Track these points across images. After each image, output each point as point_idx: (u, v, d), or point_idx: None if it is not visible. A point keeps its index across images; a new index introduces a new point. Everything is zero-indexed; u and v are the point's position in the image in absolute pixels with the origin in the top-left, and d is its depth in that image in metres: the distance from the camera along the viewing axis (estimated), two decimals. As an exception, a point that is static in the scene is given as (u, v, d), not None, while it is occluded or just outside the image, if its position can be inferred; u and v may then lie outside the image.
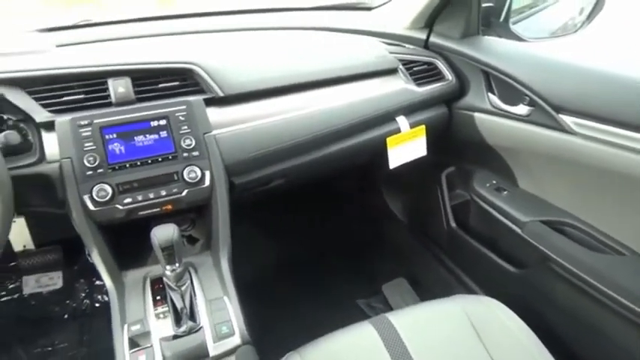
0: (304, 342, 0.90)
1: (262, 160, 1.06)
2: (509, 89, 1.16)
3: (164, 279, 0.89)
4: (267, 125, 1.06)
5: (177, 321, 0.86)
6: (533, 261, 1.18)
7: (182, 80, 1.02)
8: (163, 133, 0.94)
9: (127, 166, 0.91)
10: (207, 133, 0.97)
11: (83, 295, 1.64)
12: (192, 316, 0.87)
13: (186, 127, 0.96)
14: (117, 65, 0.98)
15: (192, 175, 0.94)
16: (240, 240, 1.07)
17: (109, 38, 1.25)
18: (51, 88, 0.93)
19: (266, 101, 1.08)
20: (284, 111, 1.09)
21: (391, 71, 1.25)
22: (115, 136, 0.91)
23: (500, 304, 0.98)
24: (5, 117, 0.88)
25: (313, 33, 1.42)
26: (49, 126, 0.90)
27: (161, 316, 0.89)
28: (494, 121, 1.22)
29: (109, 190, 0.88)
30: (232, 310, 0.90)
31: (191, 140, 0.95)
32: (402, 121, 1.23)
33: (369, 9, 1.57)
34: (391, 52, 1.28)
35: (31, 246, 1.39)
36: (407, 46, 1.37)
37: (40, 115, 0.90)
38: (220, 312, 0.89)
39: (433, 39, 1.36)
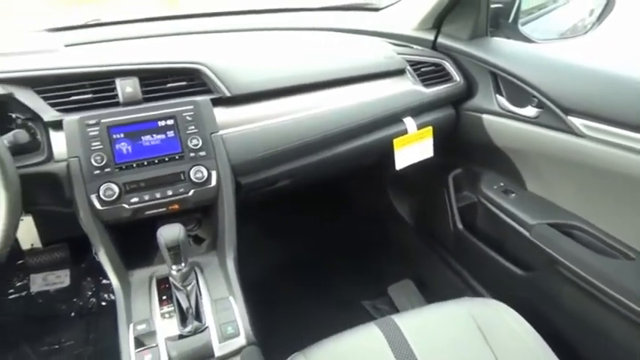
0: (309, 343, 0.90)
1: (269, 160, 1.06)
2: (517, 91, 1.15)
3: (170, 279, 0.89)
4: (273, 125, 1.06)
5: (183, 321, 0.86)
6: (540, 264, 1.17)
7: (189, 80, 1.02)
8: (170, 133, 0.94)
9: (134, 165, 0.91)
10: (214, 133, 0.98)
11: (90, 293, 1.65)
12: (198, 316, 0.87)
13: (193, 127, 0.96)
14: (125, 65, 0.98)
15: (199, 175, 0.94)
16: (246, 240, 1.07)
17: (117, 38, 1.25)
18: (59, 88, 0.93)
19: (272, 102, 1.08)
20: (291, 111, 1.08)
21: (399, 72, 1.25)
22: (122, 135, 0.92)
23: (507, 307, 0.97)
24: (14, 116, 0.89)
25: (320, 33, 1.41)
26: (57, 125, 0.90)
27: (167, 315, 0.89)
28: (502, 122, 1.21)
29: (116, 189, 0.89)
30: (238, 311, 0.90)
31: (198, 140, 0.95)
32: (409, 122, 1.23)
33: (376, 10, 1.57)
34: (399, 53, 1.27)
35: (38, 244, 1.39)
36: (415, 47, 1.36)
37: (49, 114, 0.90)
38: (226, 312, 0.89)
39: (441, 40, 1.35)
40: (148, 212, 0.93)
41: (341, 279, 1.74)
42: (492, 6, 1.27)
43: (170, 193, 0.93)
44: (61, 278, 1.63)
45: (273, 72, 1.11)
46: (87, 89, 0.95)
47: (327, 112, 1.12)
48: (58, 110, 0.92)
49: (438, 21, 1.35)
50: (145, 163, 0.92)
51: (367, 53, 1.26)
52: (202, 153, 0.95)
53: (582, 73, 1.05)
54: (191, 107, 0.97)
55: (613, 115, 0.94)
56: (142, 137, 0.93)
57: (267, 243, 1.84)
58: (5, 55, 1.00)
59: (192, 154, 0.94)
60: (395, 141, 1.22)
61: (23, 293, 1.61)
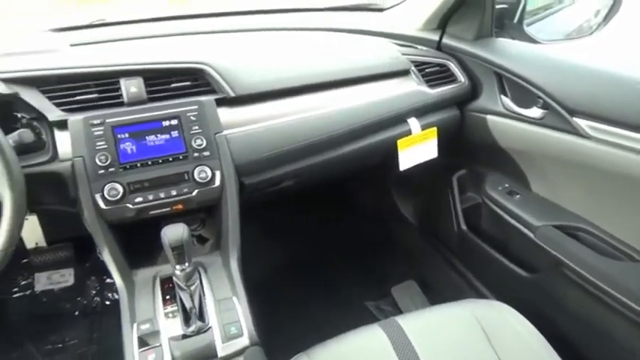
0: (313, 343, 0.90)
1: (273, 160, 1.06)
2: (522, 92, 1.15)
3: (174, 278, 0.89)
4: (278, 125, 1.06)
5: (186, 321, 0.87)
6: (545, 266, 1.17)
7: (194, 80, 1.02)
8: (174, 133, 0.95)
9: (138, 165, 0.91)
10: (218, 133, 0.98)
11: (94, 292, 1.65)
12: (201, 316, 0.88)
13: (197, 127, 0.96)
14: (129, 65, 0.99)
15: (203, 175, 0.94)
16: (249, 240, 1.07)
17: (122, 38, 1.26)
18: (64, 87, 0.94)
19: (277, 102, 1.08)
20: (295, 112, 1.08)
21: (403, 73, 1.24)
22: (126, 135, 0.92)
23: (511, 309, 0.97)
24: (19, 115, 0.90)
25: (325, 34, 1.41)
26: (62, 125, 0.91)
27: (170, 315, 0.89)
28: (507, 123, 1.21)
29: (120, 189, 0.89)
30: (241, 311, 0.90)
31: (202, 140, 0.95)
32: (413, 123, 1.23)
33: (381, 10, 1.57)
34: (403, 54, 1.27)
35: (43, 243, 1.40)
36: (419, 47, 1.36)
37: (54, 113, 0.91)
38: (229, 312, 0.89)
39: (446, 40, 1.35)
40: (152, 212, 0.93)
41: (344, 279, 1.74)
42: (497, 6, 1.26)
43: (174, 193, 0.93)
44: (66, 277, 1.64)
45: (278, 72, 1.11)
46: (92, 89, 0.96)
47: (331, 113, 1.11)
48: (63, 110, 0.92)
49: (443, 21, 1.35)
50: (149, 163, 0.92)
51: (372, 54, 1.26)
52: (206, 153, 0.95)
53: (588, 74, 1.04)
54: (195, 107, 0.97)
55: (619, 116, 0.94)
56: (147, 137, 0.93)
57: (270, 243, 1.84)
58: (11, 54, 1.01)
59: (196, 154, 0.95)
60: (399, 142, 1.21)
61: (28, 292, 1.62)
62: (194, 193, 0.94)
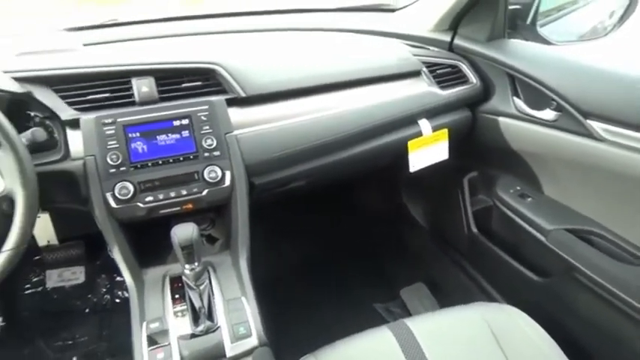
0: (321, 345, 0.90)
1: (284, 160, 1.06)
2: (535, 93, 1.14)
3: (183, 278, 0.89)
4: (288, 126, 1.06)
5: (195, 320, 0.87)
6: (557, 270, 1.15)
7: (205, 80, 1.03)
8: (185, 133, 0.95)
9: (149, 164, 0.92)
10: (228, 133, 0.98)
11: (104, 290, 1.67)
12: (210, 316, 0.88)
13: (207, 127, 0.96)
14: (141, 65, 0.99)
15: (213, 174, 0.94)
16: (259, 240, 1.07)
17: (134, 38, 1.26)
18: (77, 87, 0.94)
19: (287, 102, 1.08)
20: (306, 112, 1.08)
21: (414, 74, 1.24)
22: (137, 134, 0.92)
23: (521, 313, 0.96)
24: (32, 114, 0.90)
25: (336, 34, 1.41)
26: (74, 124, 0.91)
27: (179, 314, 0.89)
28: (520, 125, 1.20)
29: (131, 188, 0.89)
30: (250, 311, 0.90)
31: (212, 140, 0.95)
32: (424, 124, 1.22)
33: (392, 11, 1.56)
34: (415, 55, 1.26)
35: (54, 241, 1.42)
36: (431, 48, 1.35)
37: (66, 112, 0.92)
38: (238, 312, 0.89)
39: (458, 41, 1.34)
40: (162, 211, 0.93)
41: (353, 281, 1.74)
42: (510, 7, 1.25)
43: (184, 192, 0.93)
44: (76, 275, 1.66)
45: (288, 73, 1.11)
46: (104, 88, 0.96)
47: (341, 113, 1.11)
48: (76, 109, 0.93)
49: (455, 22, 1.34)
50: (160, 162, 0.93)
51: (383, 54, 1.25)
52: (216, 153, 0.95)
53: (602, 76, 1.03)
54: (206, 107, 0.97)
55: (633, 119, 0.92)
56: (157, 137, 0.93)
57: (279, 243, 1.85)
58: (24, 54, 1.01)
59: (206, 154, 0.95)
60: (409, 143, 1.21)
61: (39, 289, 1.63)
62: (204, 193, 0.94)
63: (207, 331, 0.85)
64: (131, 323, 0.88)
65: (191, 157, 0.94)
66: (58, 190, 0.93)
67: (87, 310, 1.62)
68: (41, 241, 1.41)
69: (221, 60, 1.03)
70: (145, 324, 0.86)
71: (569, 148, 1.08)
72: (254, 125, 1.03)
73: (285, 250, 1.86)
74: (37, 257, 1.62)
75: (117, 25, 1.33)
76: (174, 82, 1.00)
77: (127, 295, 0.96)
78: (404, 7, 1.51)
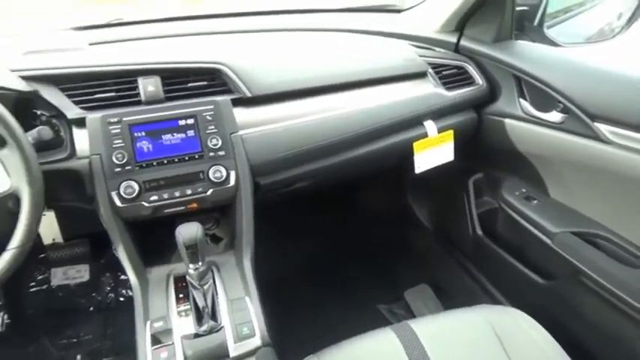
0: (325, 345, 0.90)
1: (289, 160, 1.06)
2: (542, 95, 1.13)
3: (187, 277, 0.89)
4: (293, 126, 1.06)
5: (199, 320, 0.87)
6: (562, 273, 1.15)
7: (210, 80, 1.03)
8: (190, 132, 0.95)
9: (154, 164, 0.92)
10: (233, 133, 0.98)
11: (108, 288, 1.67)
12: (214, 316, 0.88)
13: (213, 127, 0.96)
14: (147, 64, 0.99)
15: (218, 174, 0.94)
16: (263, 240, 1.07)
17: (141, 37, 1.27)
18: (83, 86, 0.95)
19: (293, 102, 1.08)
20: (311, 112, 1.08)
21: (420, 75, 1.23)
22: (143, 134, 0.93)
23: (526, 316, 0.95)
24: (38, 112, 0.91)
25: (342, 35, 1.41)
26: (80, 122, 0.92)
27: (183, 314, 0.90)
28: (526, 127, 1.19)
29: (136, 187, 0.90)
30: (253, 311, 0.90)
31: (217, 140, 0.95)
32: (430, 126, 1.22)
33: (398, 11, 1.56)
34: (421, 56, 1.26)
35: (59, 239, 1.42)
36: (437, 49, 1.35)
37: (72, 111, 0.92)
38: (242, 312, 0.89)
39: (464, 43, 1.34)
40: (166, 210, 0.93)
41: (357, 282, 1.74)
42: (517, 8, 1.25)
43: (189, 192, 0.93)
44: (81, 273, 1.66)
45: (294, 73, 1.11)
46: (110, 87, 0.97)
47: (347, 114, 1.11)
48: (82, 108, 0.93)
49: (461, 23, 1.34)
50: (165, 161, 0.93)
51: (389, 55, 1.25)
52: (221, 153, 0.95)
53: (609, 78, 1.02)
54: (211, 107, 0.98)
55: None
56: (163, 136, 0.94)
57: (284, 243, 1.84)
58: (31, 52, 1.02)
59: (211, 154, 0.95)
60: (415, 144, 1.20)
61: (44, 286, 1.64)
62: (209, 193, 0.94)
63: (210, 331, 0.85)
64: (135, 322, 0.88)
65: (196, 156, 0.94)
66: (64, 188, 0.93)
67: (91, 309, 1.62)
68: (46, 239, 1.42)
69: (227, 60, 1.03)
70: (148, 323, 0.86)
71: (576, 151, 1.07)
72: (259, 125, 1.03)
73: (290, 250, 1.86)
74: (42, 255, 1.62)
75: (123, 24, 1.34)
76: (180, 81, 1.01)
77: (131, 293, 0.96)
78: (410, 7, 1.51)
